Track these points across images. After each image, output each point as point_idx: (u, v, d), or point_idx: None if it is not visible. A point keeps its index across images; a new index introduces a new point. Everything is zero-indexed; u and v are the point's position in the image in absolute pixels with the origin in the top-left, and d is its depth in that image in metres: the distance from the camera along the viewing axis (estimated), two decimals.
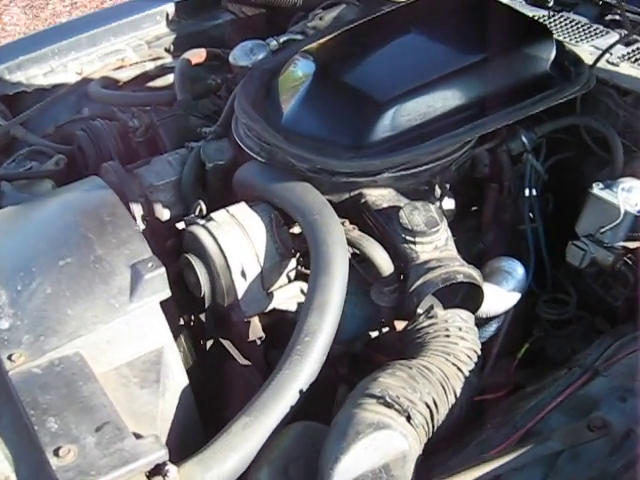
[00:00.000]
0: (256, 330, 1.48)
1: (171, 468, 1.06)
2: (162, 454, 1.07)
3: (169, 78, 2.26)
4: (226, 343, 1.53)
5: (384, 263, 1.40)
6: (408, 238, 1.41)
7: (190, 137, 1.82)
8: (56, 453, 1.05)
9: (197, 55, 2.18)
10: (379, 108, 1.52)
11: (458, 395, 1.24)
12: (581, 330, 1.59)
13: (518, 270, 1.49)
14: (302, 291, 1.50)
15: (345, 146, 1.53)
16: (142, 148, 1.88)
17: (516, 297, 1.49)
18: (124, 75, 2.22)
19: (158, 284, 1.31)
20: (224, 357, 1.53)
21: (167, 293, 1.32)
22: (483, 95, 1.58)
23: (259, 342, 1.49)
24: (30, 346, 1.22)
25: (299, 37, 2.20)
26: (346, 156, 1.50)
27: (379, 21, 1.80)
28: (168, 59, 2.30)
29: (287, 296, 1.49)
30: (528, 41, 1.66)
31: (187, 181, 1.66)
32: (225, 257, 1.41)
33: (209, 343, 1.55)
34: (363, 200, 1.52)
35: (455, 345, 1.32)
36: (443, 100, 1.56)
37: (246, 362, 1.48)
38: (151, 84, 2.23)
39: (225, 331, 1.54)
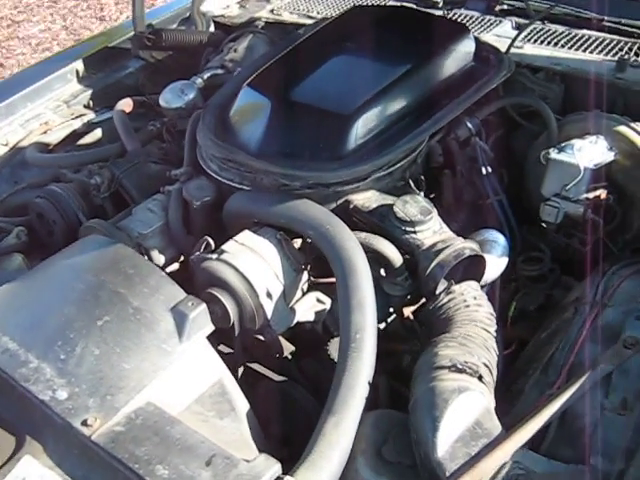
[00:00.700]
0: (287, 345, 1.55)
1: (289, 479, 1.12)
2: (277, 468, 1.13)
3: (97, 133, 2.26)
4: (255, 365, 1.58)
5: (394, 255, 1.53)
6: (408, 229, 1.55)
7: (155, 183, 1.86)
8: None
9: (127, 105, 2.19)
10: (348, 121, 1.65)
11: (497, 353, 1.40)
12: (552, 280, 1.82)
13: (500, 238, 1.67)
14: (318, 300, 1.60)
15: (325, 160, 1.64)
16: (107, 204, 1.88)
17: (505, 261, 1.67)
18: (53, 138, 2.18)
19: (202, 320, 1.36)
20: (255, 379, 1.59)
21: (211, 327, 1.37)
22: (430, 92, 1.76)
23: (290, 356, 1.57)
24: (100, 408, 1.23)
25: (221, 71, 2.29)
26: (331, 168, 1.62)
27: (312, 42, 1.93)
28: (90, 115, 2.29)
29: (306, 307, 1.58)
30: (452, 39, 1.86)
31: (175, 224, 1.70)
32: (249, 282, 1.47)
33: (240, 370, 1.59)
34: (352, 205, 1.64)
35: (476, 312, 1.47)
36: (398, 103, 1.71)
37: (281, 378, 1.55)
38: (82, 142, 2.22)
39: (250, 354, 1.60)
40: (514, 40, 1.95)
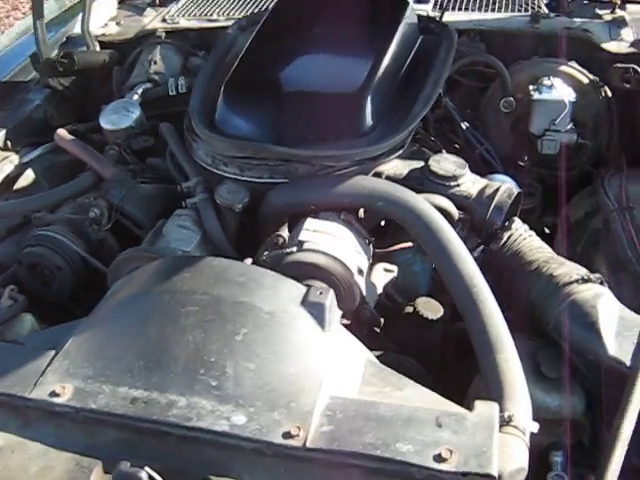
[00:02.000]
0: (378, 317, 1.56)
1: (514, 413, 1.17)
2: (497, 408, 1.16)
3: (29, 173, 2.01)
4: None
5: (453, 209, 1.61)
6: (452, 184, 1.65)
7: (156, 203, 1.75)
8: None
9: (64, 136, 1.98)
10: (360, 99, 1.70)
11: None
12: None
13: (508, 179, 1.84)
14: (385, 270, 1.63)
15: (353, 137, 1.68)
16: (109, 236, 1.70)
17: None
18: None
19: (334, 305, 1.33)
20: None
21: (339, 310, 1.35)
22: (409, 67, 1.86)
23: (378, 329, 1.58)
24: (291, 417, 1.15)
25: (150, 85, 2.17)
26: (364, 144, 1.65)
27: (271, 31, 1.92)
28: (13, 155, 2.03)
29: (378, 277, 1.60)
30: (401, 13, 1.97)
31: (216, 232, 1.62)
32: (343, 263, 1.46)
33: None
34: (384, 176, 1.69)
35: (535, 241, 1.62)
36: (388, 79, 1.79)
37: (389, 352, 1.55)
38: (18, 186, 1.96)
39: None
40: (444, 11, 2.13)
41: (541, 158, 1.99)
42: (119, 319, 1.34)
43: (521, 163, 1.96)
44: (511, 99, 2.03)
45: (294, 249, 1.49)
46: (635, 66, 1.78)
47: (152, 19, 2.52)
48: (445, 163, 1.67)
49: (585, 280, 1.38)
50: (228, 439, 1.14)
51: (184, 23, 2.43)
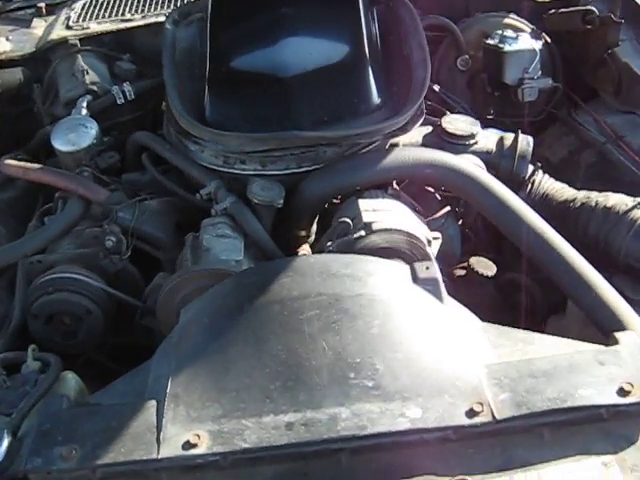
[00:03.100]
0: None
1: None
2: None
3: None
4: None
5: (484, 166, 1.61)
6: (471, 142, 1.66)
7: (170, 217, 1.58)
8: None
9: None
10: (362, 70, 1.64)
11: None
12: None
13: (493, 130, 1.87)
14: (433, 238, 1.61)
15: (368, 113, 1.62)
16: (128, 264, 1.49)
17: None
18: None
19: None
20: None
21: None
22: (388, 37, 1.83)
23: None
24: (464, 396, 1.08)
25: (90, 97, 1.93)
26: (383, 118, 1.60)
27: (233, 17, 1.78)
28: None
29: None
30: None
31: (261, 233, 1.51)
32: (416, 237, 1.41)
33: None
34: (402, 146, 1.66)
35: (552, 180, 1.70)
36: (374, 51, 1.73)
37: None
38: None
39: None
40: None
41: (502, 109, 2.07)
42: (226, 345, 1.19)
43: (489, 116, 2.03)
44: (467, 57, 2.08)
45: (362, 233, 1.42)
46: (594, 8, 1.91)
47: (50, 28, 2.24)
48: (458, 123, 1.68)
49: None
50: (411, 436, 1.07)
51: (96, 27, 2.18)
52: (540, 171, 1.69)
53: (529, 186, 1.65)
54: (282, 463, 1.07)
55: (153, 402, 1.14)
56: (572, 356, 1.16)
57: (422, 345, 1.16)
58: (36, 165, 1.68)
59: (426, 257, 1.43)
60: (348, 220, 1.43)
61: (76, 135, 1.75)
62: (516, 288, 1.62)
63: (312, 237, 1.65)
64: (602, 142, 1.82)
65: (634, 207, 1.47)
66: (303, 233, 1.63)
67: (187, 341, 1.23)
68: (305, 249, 1.61)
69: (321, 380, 1.11)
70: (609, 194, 1.56)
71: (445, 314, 1.23)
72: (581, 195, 1.60)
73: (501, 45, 1.93)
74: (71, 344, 1.46)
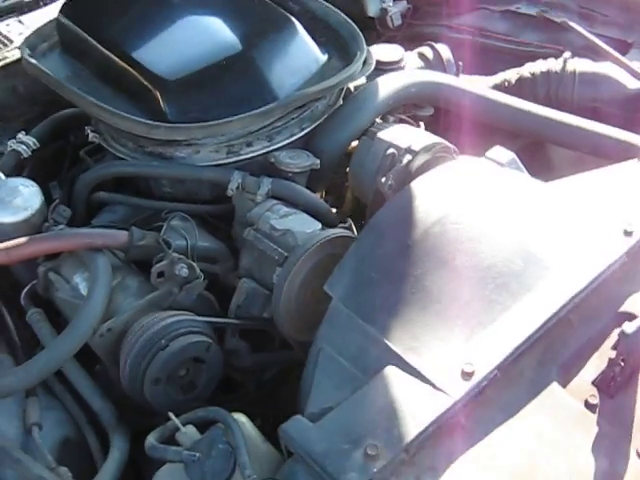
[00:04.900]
0: None
1: None
2: None
3: None
4: None
5: None
6: (402, 65, 1.77)
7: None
8: None
9: None
10: (296, 29, 1.63)
11: None
12: None
13: None
14: None
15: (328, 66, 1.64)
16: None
17: None
18: None
19: None
20: None
21: None
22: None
23: None
24: None
25: None
26: (340, 66, 1.62)
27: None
28: None
29: None
30: None
31: (318, 200, 1.48)
32: (445, 144, 1.50)
33: None
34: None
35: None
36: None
37: None
38: None
39: None
40: None
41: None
42: (415, 281, 1.17)
43: None
44: None
45: (409, 156, 1.46)
46: None
47: None
48: (384, 52, 1.78)
49: None
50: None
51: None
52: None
53: None
54: (533, 347, 1.13)
55: (390, 369, 1.10)
56: None
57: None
58: (19, 240, 1.35)
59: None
60: (394, 150, 1.47)
61: (22, 199, 1.45)
62: None
63: None
64: (470, 38, 2.10)
65: (565, 62, 1.76)
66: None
67: (365, 304, 1.18)
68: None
69: (516, 266, 1.19)
70: (529, 65, 1.83)
71: None
72: (507, 75, 1.84)
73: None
74: (192, 397, 1.27)
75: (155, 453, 1.11)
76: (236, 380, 1.47)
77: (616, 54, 1.79)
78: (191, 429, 1.17)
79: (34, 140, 1.64)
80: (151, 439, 1.13)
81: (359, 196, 1.60)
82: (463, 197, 1.27)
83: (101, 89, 1.61)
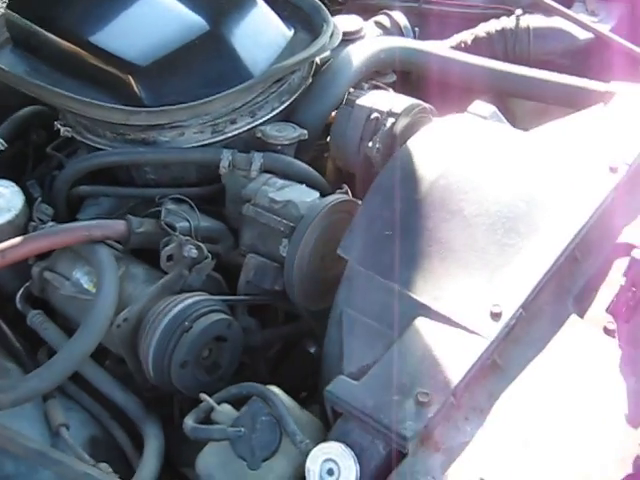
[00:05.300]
0: None
1: None
2: None
3: None
4: None
5: None
6: (362, 34, 1.77)
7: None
8: None
9: None
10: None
11: None
12: None
13: None
14: None
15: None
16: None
17: None
18: None
19: None
20: None
21: None
22: None
23: None
24: None
25: None
26: (308, 39, 1.63)
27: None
28: None
29: None
30: None
31: (305, 168, 1.47)
32: (423, 105, 1.54)
33: None
34: None
35: None
36: None
37: None
38: None
39: None
40: None
41: None
42: (430, 234, 1.20)
43: None
44: None
45: (392, 119, 1.49)
46: None
47: None
48: (342, 22, 1.78)
49: None
50: None
51: None
52: None
53: None
54: (548, 284, 1.19)
55: (421, 320, 1.12)
56: None
57: None
58: (14, 240, 1.28)
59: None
60: (377, 115, 1.49)
61: (3, 200, 1.39)
62: None
63: None
64: (416, 5, 2.14)
65: (518, 19, 1.82)
66: None
67: (383, 262, 1.20)
68: None
69: (520, 210, 1.23)
70: (483, 25, 1.88)
71: None
72: (463, 37, 1.89)
73: None
74: (217, 377, 1.25)
75: (199, 434, 1.09)
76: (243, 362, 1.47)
77: (563, 8, 1.87)
78: (227, 407, 1.16)
79: (1, 141, 1.57)
80: (189, 422, 1.12)
81: (342, 166, 1.62)
82: (460, 150, 1.31)
83: (65, 81, 1.56)
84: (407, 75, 1.74)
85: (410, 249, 1.20)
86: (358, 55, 1.62)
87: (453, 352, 1.07)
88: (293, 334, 1.51)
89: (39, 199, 1.45)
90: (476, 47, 1.86)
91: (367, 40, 1.69)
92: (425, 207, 1.23)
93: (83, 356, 1.17)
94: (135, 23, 1.59)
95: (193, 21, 1.54)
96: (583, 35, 1.83)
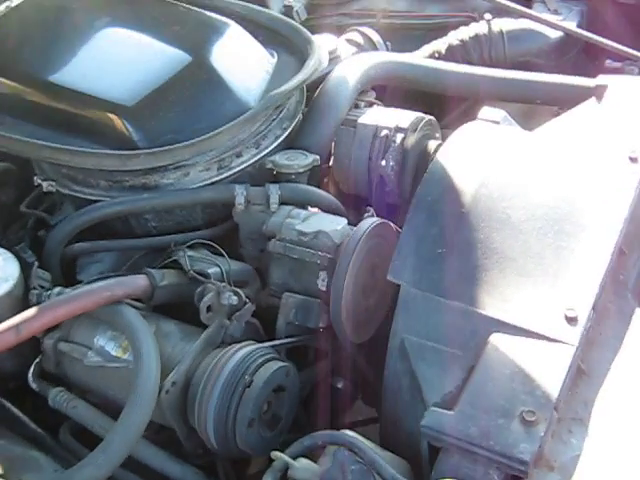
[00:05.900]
0: None
1: None
2: None
3: None
4: None
5: None
6: (337, 54, 1.72)
7: None
8: None
9: None
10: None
11: None
12: None
13: None
14: None
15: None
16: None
17: None
18: None
19: None
20: None
21: None
22: None
23: None
24: None
25: None
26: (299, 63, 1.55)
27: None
28: None
29: None
30: None
31: (324, 195, 1.41)
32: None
33: None
34: None
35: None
36: None
37: None
38: None
39: None
40: None
41: None
42: (480, 245, 1.15)
43: None
44: None
45: (402, 135, 1.44)
46: None
47: None
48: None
49: None
50: None
51: None
52: None
53: None
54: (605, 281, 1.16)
55: (496, 336, 1.07)
56: None
57: None
58: (27, 312, 1.12)
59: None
60: (387, 132, 1.43)
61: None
62: None
63: None
64: (374, 21, 2.11)
65: (489, 24, 1.83)
66: None
67: (440, 282, 1.14)
68: None
69: (563, 210, 1.21)
70: (454, 33, 1.88)
71: None
72: (435, 47, 1.87)
73: None
74: (278, 431, 1.15)
75: None
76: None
77: (526, 10, 1.90)
78: (303, 461, 1.06)
79: None
80: None
81: (347, 189, 1.55)
82: (492, 158, 1.27)
83: (38, 132, 1.43)
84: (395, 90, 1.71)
85: (466, 264, 1.15)
86: (351, 74, 1.57)
87: (542, 364, 1.03)
88: (322, 374, 1.42)
89: (36, 264, 1.31)
90: (451, 55, 1.85)
91: (355, 58, 1.64)
92: (472, 219, 1.19)
93: (139, 433, 1.04)
94: (109, 62, 1.48)
95: (173, 53, 1.45)
96: (554, 34, 1.86)
